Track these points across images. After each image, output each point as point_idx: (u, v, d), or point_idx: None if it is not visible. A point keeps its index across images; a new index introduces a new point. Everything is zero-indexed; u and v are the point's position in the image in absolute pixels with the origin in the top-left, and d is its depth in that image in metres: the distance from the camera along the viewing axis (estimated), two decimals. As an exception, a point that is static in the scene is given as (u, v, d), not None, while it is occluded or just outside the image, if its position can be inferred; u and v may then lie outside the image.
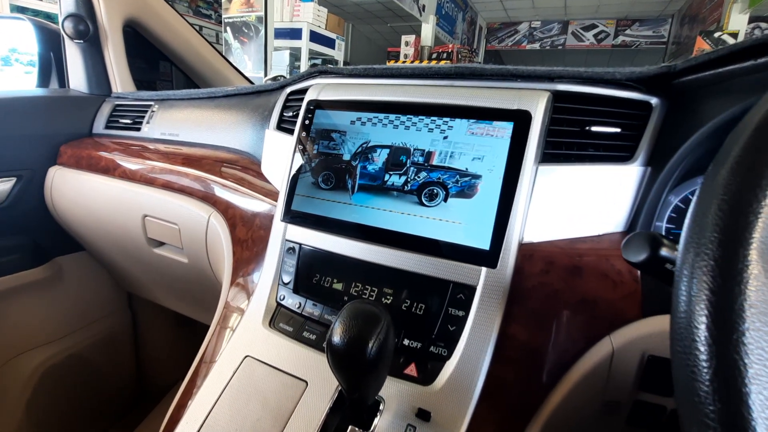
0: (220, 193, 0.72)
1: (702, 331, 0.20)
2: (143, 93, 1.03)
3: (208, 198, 0.73)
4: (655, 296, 0.42)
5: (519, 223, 0.45)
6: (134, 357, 1.27)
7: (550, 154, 0.47)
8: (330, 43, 4.65)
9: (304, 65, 4.22)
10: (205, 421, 0.46)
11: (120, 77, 1.09)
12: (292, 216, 0.56)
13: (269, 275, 0.56)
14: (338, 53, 4.84)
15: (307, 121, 0.59)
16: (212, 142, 0.86)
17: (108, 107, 1.03)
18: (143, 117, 0.97)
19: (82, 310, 1.11)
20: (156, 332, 1.29)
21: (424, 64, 0.59)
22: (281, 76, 1.49)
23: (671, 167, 0.45)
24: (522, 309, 0.44)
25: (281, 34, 4.16)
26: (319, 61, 4.71)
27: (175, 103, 0.96)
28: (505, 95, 0.48)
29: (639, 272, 0.42)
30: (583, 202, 0.46)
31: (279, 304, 0.55)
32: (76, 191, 0.91)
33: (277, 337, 0.52)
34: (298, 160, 0.58)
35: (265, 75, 3.77)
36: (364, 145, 0.54)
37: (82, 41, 1.03)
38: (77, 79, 1.07)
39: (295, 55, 4.23)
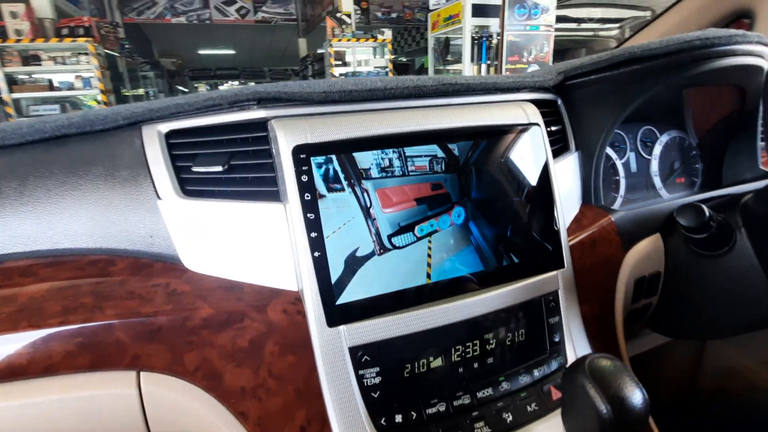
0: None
1: None
2: None
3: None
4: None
5: (561, 215, 0.53)
6: None
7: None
8: None
9: None
10: None
11: None
12: (343, 311, 0.44)
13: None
14: None
15: (304, 177, 0.44)
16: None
17: None
18: None
19: None
20: None
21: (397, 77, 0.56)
22: None
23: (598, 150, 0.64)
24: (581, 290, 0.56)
25: None
26: None
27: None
28: (505, 109, 0.53)
29: (616, 224, 0.61)
30: (569, 186, 0.61)
31: None
32: None
33: None
34: (315, 233, 0.43)
35: None
36: (381, 188, 0.46)
37: None
38: None
39: None
